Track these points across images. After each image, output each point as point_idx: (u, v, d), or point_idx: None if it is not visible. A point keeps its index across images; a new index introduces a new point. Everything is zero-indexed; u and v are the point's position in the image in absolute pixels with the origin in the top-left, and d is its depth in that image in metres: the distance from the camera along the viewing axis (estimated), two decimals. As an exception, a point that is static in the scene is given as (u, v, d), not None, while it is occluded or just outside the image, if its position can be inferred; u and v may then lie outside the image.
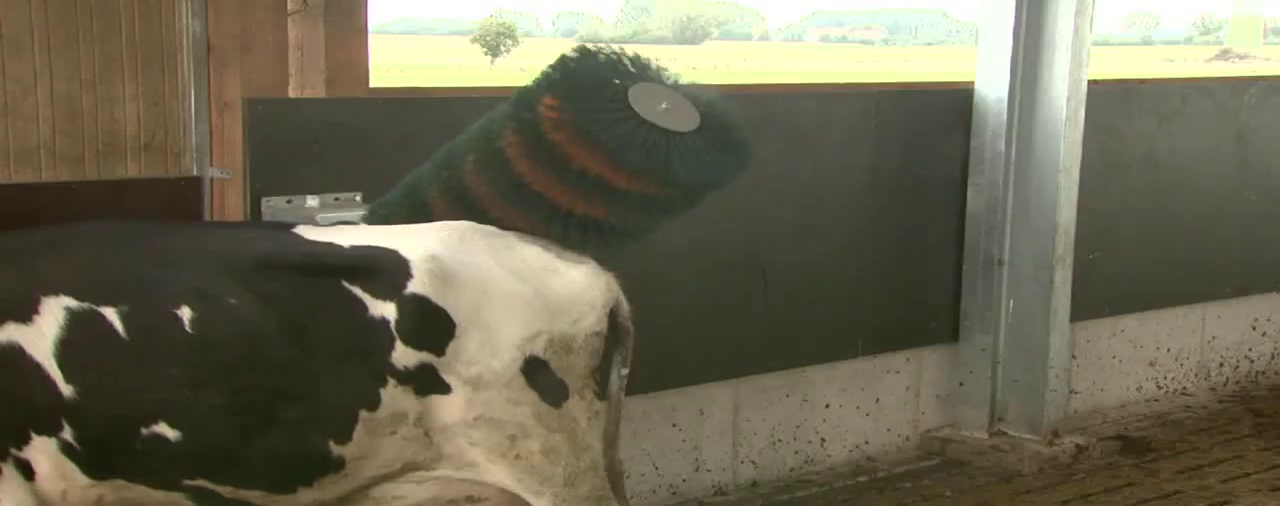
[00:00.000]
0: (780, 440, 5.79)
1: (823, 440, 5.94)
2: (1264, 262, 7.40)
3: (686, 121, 3.37)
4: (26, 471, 3.04)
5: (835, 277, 5.75)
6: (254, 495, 3.15)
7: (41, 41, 4.09)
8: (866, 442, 6.09)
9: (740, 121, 3.52)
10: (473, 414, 3.19)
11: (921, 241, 6.10)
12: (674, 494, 5.48)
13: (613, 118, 3.27)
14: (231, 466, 3.10)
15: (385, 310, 3.14)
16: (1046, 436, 6.08)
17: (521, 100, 3.37)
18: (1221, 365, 7.45)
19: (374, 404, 3.12)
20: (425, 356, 3.15)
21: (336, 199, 4.38)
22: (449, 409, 3.18)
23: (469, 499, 3.31)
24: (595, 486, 3.36)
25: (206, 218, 4.36)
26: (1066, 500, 5.63)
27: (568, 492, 3.29)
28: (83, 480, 3.05)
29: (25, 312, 3.01)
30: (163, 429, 3.02)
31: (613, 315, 3.42)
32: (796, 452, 5.85)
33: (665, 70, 3.48)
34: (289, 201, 4.32)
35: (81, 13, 4.14)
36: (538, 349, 3.24)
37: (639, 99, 3.34)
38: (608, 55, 3.42)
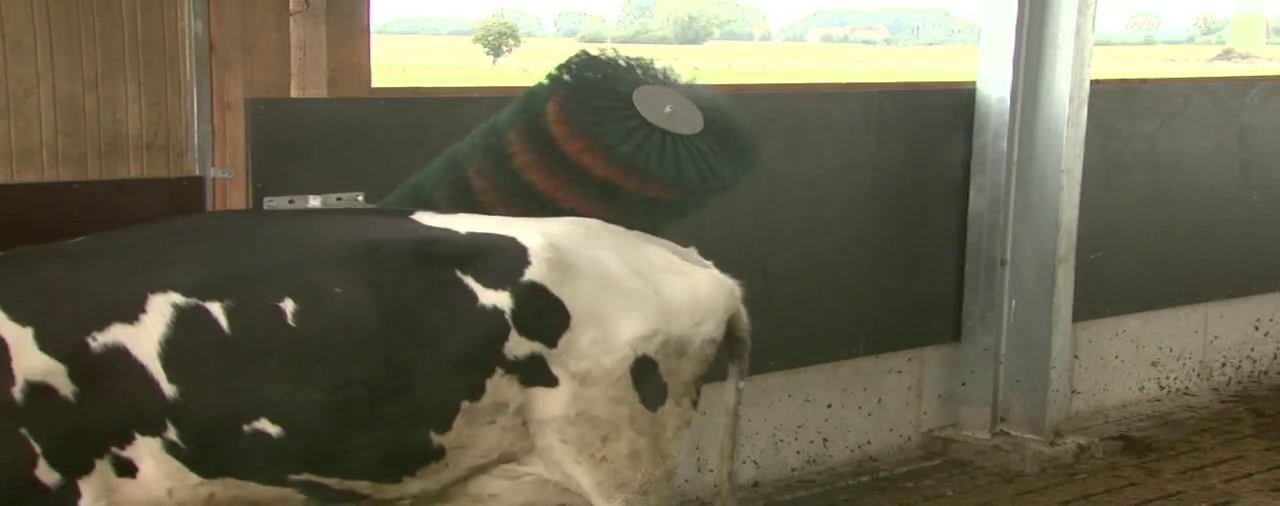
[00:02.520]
0: (782, 440, 5.79)
1: (825, 440, 5.94)
2: (1266, 262, 7.39)
3: (691, 124, 3.38)
4: (127, 470, 3.01)
5: (837, 277, 5.75)
6: (361, 486, 3.12)
7: (43, 41, 4.09)
8: (868, 442, 6.09)
9: (745, 124, 3.52)
10: (575, 410, 3.14)
11: (923, 241, 6.10)
12: (676, 493, 5.48)
13: (618, 120, 3.28)
14: (337, 459, 3.07)
15: (499, 298, 3.08)
16: (1048, 436, 6.08)
17: (527, 102, 3.37)
18: (1223, 365, 7.45)
19: (478, 395, 3.08)
20: (537, 347, 3.11)
21: (339, 199, 4.38)
22: (552, 403, 3.14)
23: None
24: (664, 498, 3.31)
25: (208, 218, 4.36)
26: (1068, 500, 5.63)
27: (639, 500, 3.25)
28: (191, 478, 3.03)
29: (132, 312, 2.98)
30: (264, 425, 2.99)
31: (731, 326, 3.37)
32: (798, 452, 5.85)
33: (671, 73, 3.48)
34: (291, 201, 4.32)
35: (83, 13, 4.14)
36: (651, 349, 3.19)
37: (644, 102, 3.34)
38: (613, 58, 3.43)
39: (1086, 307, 6.38)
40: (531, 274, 3.10)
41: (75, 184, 4.15)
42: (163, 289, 3.00)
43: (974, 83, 6.09)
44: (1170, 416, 6.85)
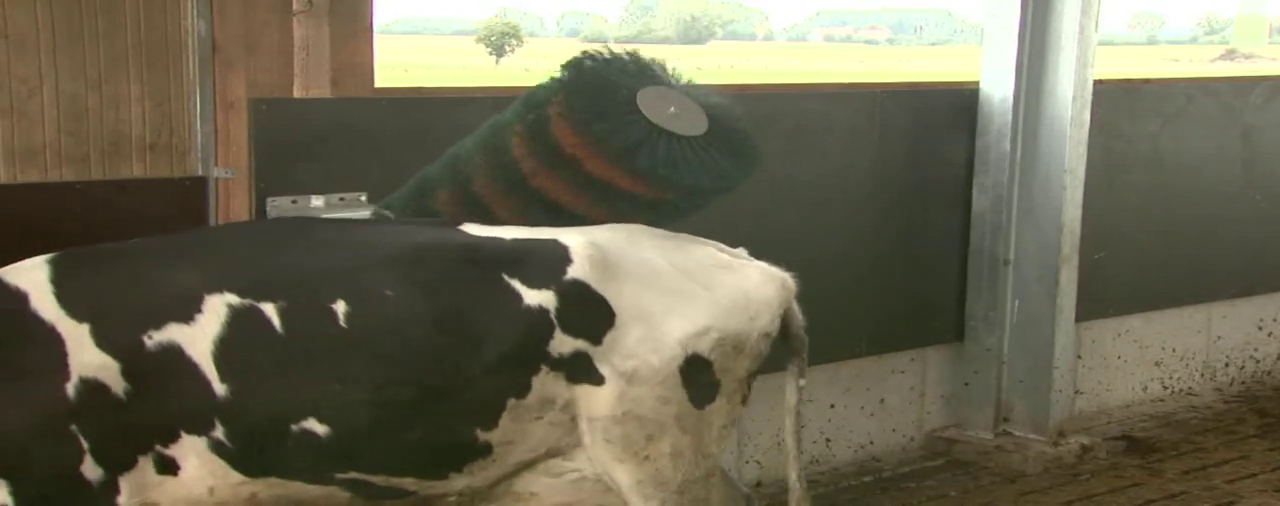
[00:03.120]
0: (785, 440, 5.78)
1: (827, 440, 5.94)
2: (1269, 262, 7.39)
3: (695, 125, 3.38)
4: (168, 467, 3.02)
5: (839, 277, 5.75)
6: (407, 482, 3.14)
7: (47, 41, 4.09)
8: (871, 443, 6.09)
9: (748, 126, 3.51)
10: (622, 409, 3.15)
11: (926, 241, 6.09)
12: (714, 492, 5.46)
13: (621, 121, 3.28)
14: (383, 457, 3.09)
15: (543, 297, 3.11)
16: (1052, 436, 6.08)
17: (530, 102, 3.37)
18: (1227, 365, 7.44)
19: (523, 392, 3.11)
20: (581, 344, 3.13)
21: (341, 199, 4.38)
22: (598, 401, 3.15)
23: None
24: (699, 497, 3.29)
25: (211, 219, 4.36)
26: (1071, 500, 5.62)
27: (675, 500, 3.24)
28: (234, 477, 3.04)
29: (188, 311, 3.00)
30: (312, 424, 3.01)
31: (786, 321, 3.37)
32: (802, 452, 5.83)
33: (675, 74, 3.48)
34: (294, 201, 4.32)
35: (86, 13, 4.14)
36: (703, 347, 3.19)
37: (647, 102, 3.34)
38: (617, 58, 3.42)
39: (1089, 307, 6.37)
40: (574, 272, 3.13)
41: (78, 184, 4.15)
42: (218, 289, 3.03)
43: (977, 83, 6.08)
44: (1174, 416, 6.84)
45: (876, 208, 5.87)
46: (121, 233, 4.20)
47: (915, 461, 6.06)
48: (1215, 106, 7.01)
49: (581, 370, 3.14)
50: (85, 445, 2.94)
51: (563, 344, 3.12)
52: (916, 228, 6.04)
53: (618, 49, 3.49)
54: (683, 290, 3.20)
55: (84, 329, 2.97)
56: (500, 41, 68.85)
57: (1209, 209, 7.00)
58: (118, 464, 2.97)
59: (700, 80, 3.62)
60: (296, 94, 4.43)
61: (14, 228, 4.06)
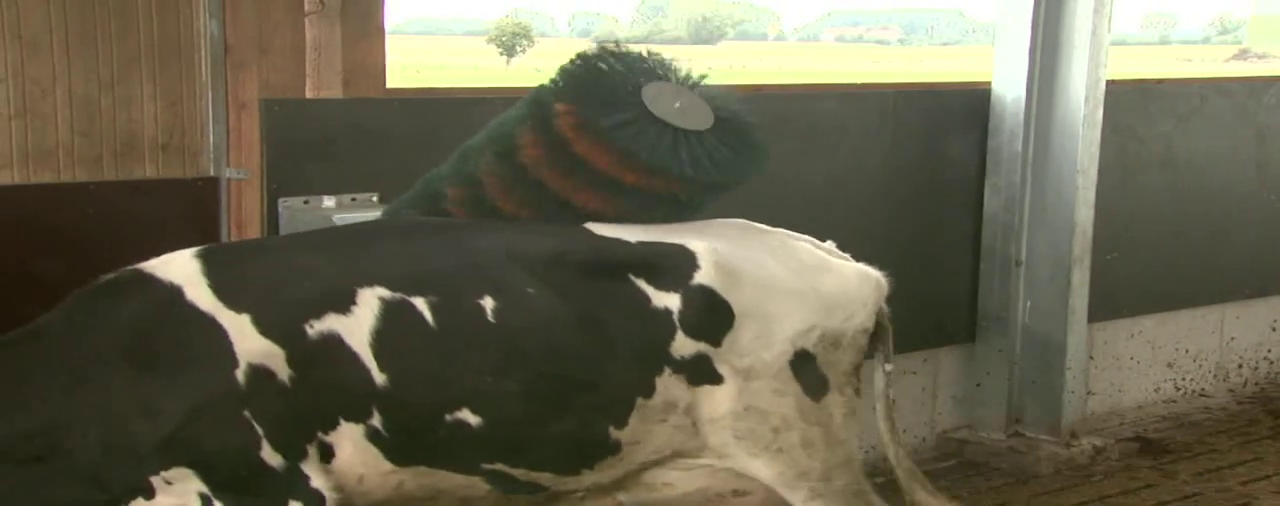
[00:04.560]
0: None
1: (839, 441, 5.92)
2: (1283, 263, 7.36)
3: (701, 120, 3.38)
4: (326, 455, 3.07)
5: (851, 278, 5.73)
6: (544, 477, 3.23)
7: (60, 42, 4.10)
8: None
9: (755, 121, 3.51)
10: (742, 404, 3.26)
11: (938, 242, 6.08)
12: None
13: (626, 116, 3.28)
14: (527, 450, 3.17)
15: (669, 301, 3.22)
16: (1064, 437, 6.06)
17: (537, 99, 3.37)
18: (1240, 366, 7.41)
19: (649, 392, 3.21)
20: (702, 347, 3.24)
21: (353, 199, 4.39)
22: (719, 399, 3.26)
23: (735, 492, 3.38)
24: (850, 481, 3.45)
25: (223, 219, 4.38)
26: (1084, 501, 5.61)
27: (824, 487, 3.37)
28: (384, 466, 3.10)
29: (344, 303, 3.06)
30: (466, 415, 3.09)
31: (877, 315, 3.50)
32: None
33: (681, 69, 3.48)
34: (306, 202, 4.33)
35: (99, 14, 4.15)
36: (809, 343, 3.33)
37: (653, 98, 3.34)
38: (623, 54, 3.43)
39: (1102, 308, 6.35)
40: (701, 277, 3.25)
41: (91, 184, 4.16)
42: (369, 283, 3.09)
43: (989, 83, 6.07)
44: (1187, 417, 6.82)
45: (888, 208, 5.86)
46: (134, 233, 4.23)
47: (927, 462, 6.05)
48: (1229, 107, 6.99)
49: (702, 372, 3.25)
50: (260, 431, 3.00)
51: (685, 346, 3.23)
52: (929, 228, 6.02)
53: (623, 45, 3.48)
54: (794, 289, 3.34)
55: (244, 318, 3.02)
56: (511, 42, 68.92)
57: (1223, 209, 6.97)
58: (292, 450, 3.03)
59: (712, 80, 3.61)
60: (309, 94, 4.44)
61: (28, 228, 4.08)
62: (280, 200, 4.30)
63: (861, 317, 3.44)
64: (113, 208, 4.18)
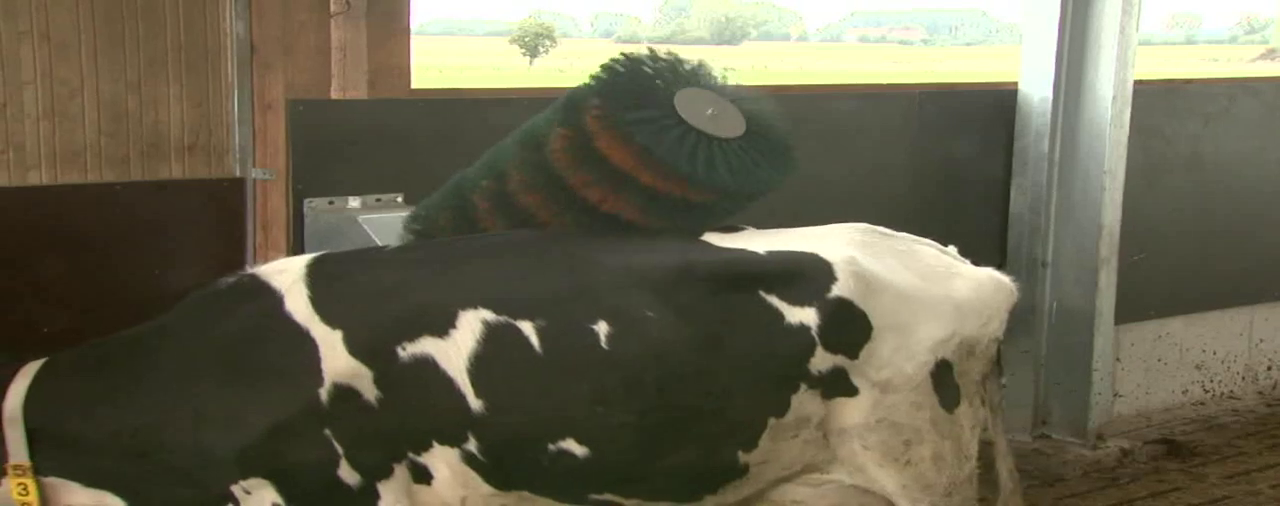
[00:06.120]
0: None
1: (863, 442, 5.90)
2: (1312, 265, 7.29)
3: (733, 127, 3.35)
4: (423, 476, 3.02)
5: (876, 279, 5.71)
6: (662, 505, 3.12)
7: (88, 44, 4.12)
8: (907, 445, 6.04)
9: (786, 128, 3.49)
10: (876, 417, 3.15)
11: (963, 243, 5.96)
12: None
13: (658, 123, 3.25)
14: (641, 480, 3.06)
15: (805, 316, 3.09)
16: (1090, 440, 6.02)
17: (568, 103, 3.35)
18: (1269, 368, 7.35)
19: (783, 411, 3.09)
20: (839, 360, 3.12)
21: (378, 200, 4.39)
22: (853, 412, 3.14)
23: None
24: (968, 498, 3.31)
25: (249, 220, 4.39)
26: (1111, 505, 5.56)
27: (944, 502, 3.25)
28: (485, 489, 3.04)
29: (442, 325, 2.98)
30: (570, 445, 2.98)
31: None
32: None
33: (713, 75, 3.45)
34: (331, 202, 4.34)
35: (127, 16, 4.17)
36: (948, 352, 3.21)
37: (685, 104, 3.31)
38: (655, 60, 3.40)
39: (1129, 310, 6.31)
40: (838, 290, 3.12)
41: (118, 185, 4.18)
42: (473, 305, 3.00)
43: (1015, 83, 6.03)
44: (1214, 420, 6.76)
45: (913, 209, 5.83)
46: (160, 233, 4.25)
47: (952, 464, 6.01)
48: (1258, 107, 6.93)
49: (838, 385, 3.13)
50: (339, 449, 2.96)
51: (823, 361, 3.10)
52: (954, 229, 5.96)
53: (655, 51, 3.46)
54: (929, 297, 3.22)
55: (337, 335, 2.97)
56: (534, 42, 69.07)
57: (1251, 210, 6.92)
58: (374, 470, 2.99)
59: (734, 81, 3.59)
60: (334, 95, 4.45)
61: (55, 228, 4.10)
62: (305, 201, 4.31)
63: (995, 325, 3.31)
64: (139, 208, 4.20)
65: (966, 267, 3.37)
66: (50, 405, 3.03)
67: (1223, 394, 7.13)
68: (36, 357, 3.16)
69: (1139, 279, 6.37)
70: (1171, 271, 6.65)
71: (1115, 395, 6.52)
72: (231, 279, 3.13)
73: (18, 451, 3.02)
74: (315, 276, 3.06)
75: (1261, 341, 7.28)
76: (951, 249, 3.48)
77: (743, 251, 3.19)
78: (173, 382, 3.01)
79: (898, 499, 3.21)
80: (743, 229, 3.36)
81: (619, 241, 3.22)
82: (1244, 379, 7.23)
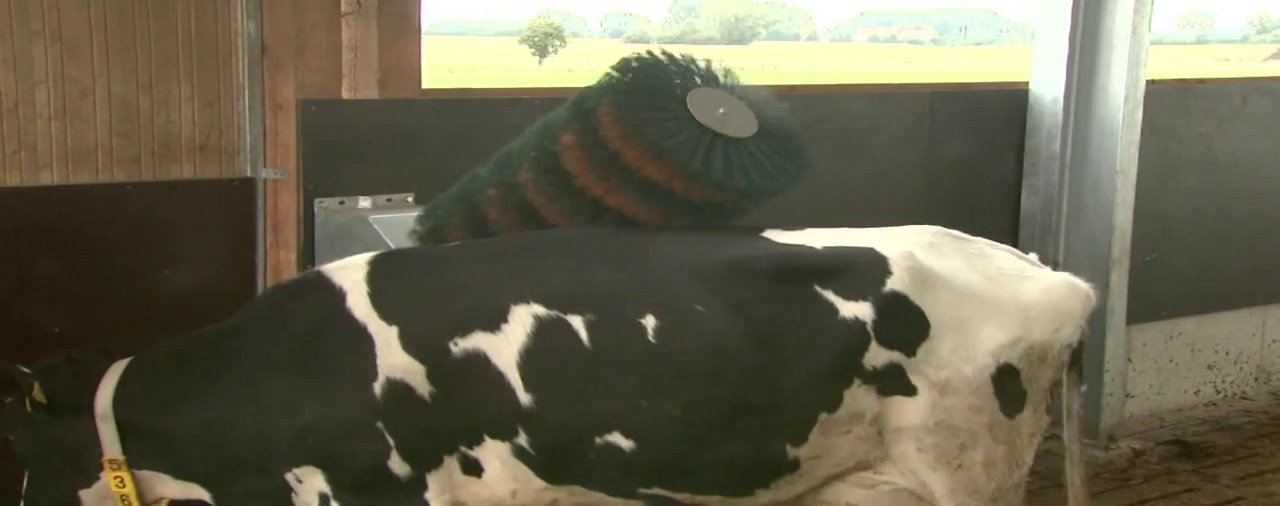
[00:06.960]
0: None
1: (874, 443, 5.89)
2: (1326, 265, 7.26)
3: (745, 127, 3.34)
4: (473, 469, 3.07)
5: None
6: (712, 500, 3.12)
7: (99, 44, 4.13)
8: (918, 446, 6.03)
9: (799, 128, 3.48)
10: (934, 419, 3.10)
11: (975, 243, 6.03)
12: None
13: (670, 123, 3.24)
14: (690, 474, 3.06)
15: (860, 310, 3.06)
16: (1102, 440, 6.01)
17: (580, 103, 3.34)
18: (1282, 369, 7.33)
19: (835, 406, 3.06)
20: (895, 356, 3.08)
21: (389, 199, 4.40)
22: (909, 411, 3.10)
23: None
24: (1012, 505, 3.27)
25: (259, 219, 4.39)
26: (1123, 505, 5.55)
27: None
28: (537, 483, 3.07)
29: (495, 321, 3.03)
30: (616, 438, 3.00)
31: None
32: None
33: (726, 75, 3.44)
34: (341, 202, 4.34)
35: (138, 15, 4.18)
36: (1014, 356, 3.15)
37: (698, 104, 3.31)
38: (667, 60, 3.40)
39: (1141, 310, 6.29)
40: (893, 284, 3.08)
41: (129, 185, 4.19)
42: (526, 300, 3.04)
43: (1026, 83, 6.02)
44: (1227, 420, 6.74)
45: (924, 209, 5.81)
46: (171, 233, 4.26)
47: (963, 465, 6.00)
48: (1271, 106, 6.90)
49: (894, 382, 3.08)
50: (391, 442, 3.02)
51: (877, 356, 3.06)
52: (965, 229, 5.94)
53: (668, 50, 3.46)
54: (993, 298, 3.16)
55: (393, 331, 3.04)
56: (544, 42, 69.12)
57: (1264, 210, 6.89)
58: (424, 462, 3.04)
59: (744, 80, 3.58)
60: (345, 95, 4.45)
61: (66, 228, 4.11)
62: (316, 200, 4.31)
63: (1068, 331, 3.23)
64: (150, 208, 4.21)
65: (1041, 272, 3.29)
66: (137, 401, 3.17)
67: (1235, 394, 7.11)
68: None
69: (1151, 279, 6.35)
70: (1183, 271, 6.63)
71: (1127, 395, 6.51)
72: (301, 275, 3.26)
73: (111, 446, 3.17)
74: (376, 273, 3.14)
75: (1274, 341, 7.25)
76: (1032, 256, 3.40)
77: (799, 246, 3.17)
78: (243, 377, 3.11)
79: (943, 501, 3.17)
80: (802, 229, 3.33)
81: (676, 236, 3.23)
82: (1257, 379, 7.21)
